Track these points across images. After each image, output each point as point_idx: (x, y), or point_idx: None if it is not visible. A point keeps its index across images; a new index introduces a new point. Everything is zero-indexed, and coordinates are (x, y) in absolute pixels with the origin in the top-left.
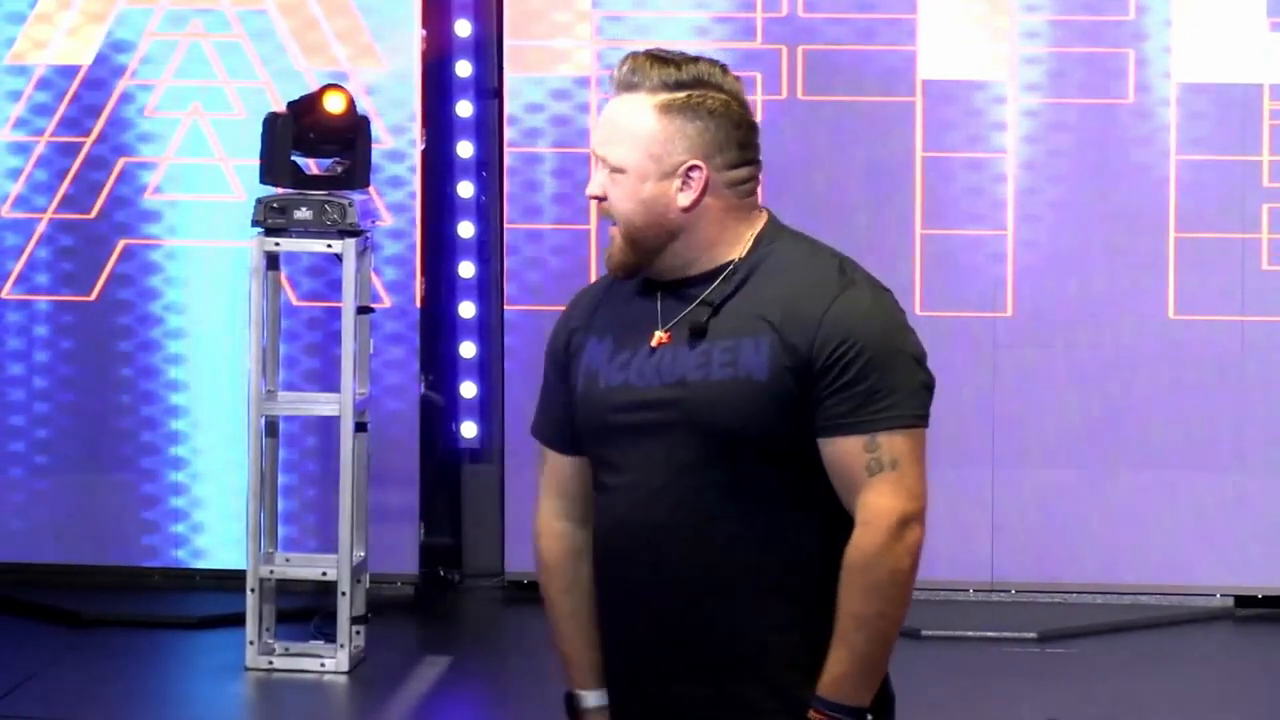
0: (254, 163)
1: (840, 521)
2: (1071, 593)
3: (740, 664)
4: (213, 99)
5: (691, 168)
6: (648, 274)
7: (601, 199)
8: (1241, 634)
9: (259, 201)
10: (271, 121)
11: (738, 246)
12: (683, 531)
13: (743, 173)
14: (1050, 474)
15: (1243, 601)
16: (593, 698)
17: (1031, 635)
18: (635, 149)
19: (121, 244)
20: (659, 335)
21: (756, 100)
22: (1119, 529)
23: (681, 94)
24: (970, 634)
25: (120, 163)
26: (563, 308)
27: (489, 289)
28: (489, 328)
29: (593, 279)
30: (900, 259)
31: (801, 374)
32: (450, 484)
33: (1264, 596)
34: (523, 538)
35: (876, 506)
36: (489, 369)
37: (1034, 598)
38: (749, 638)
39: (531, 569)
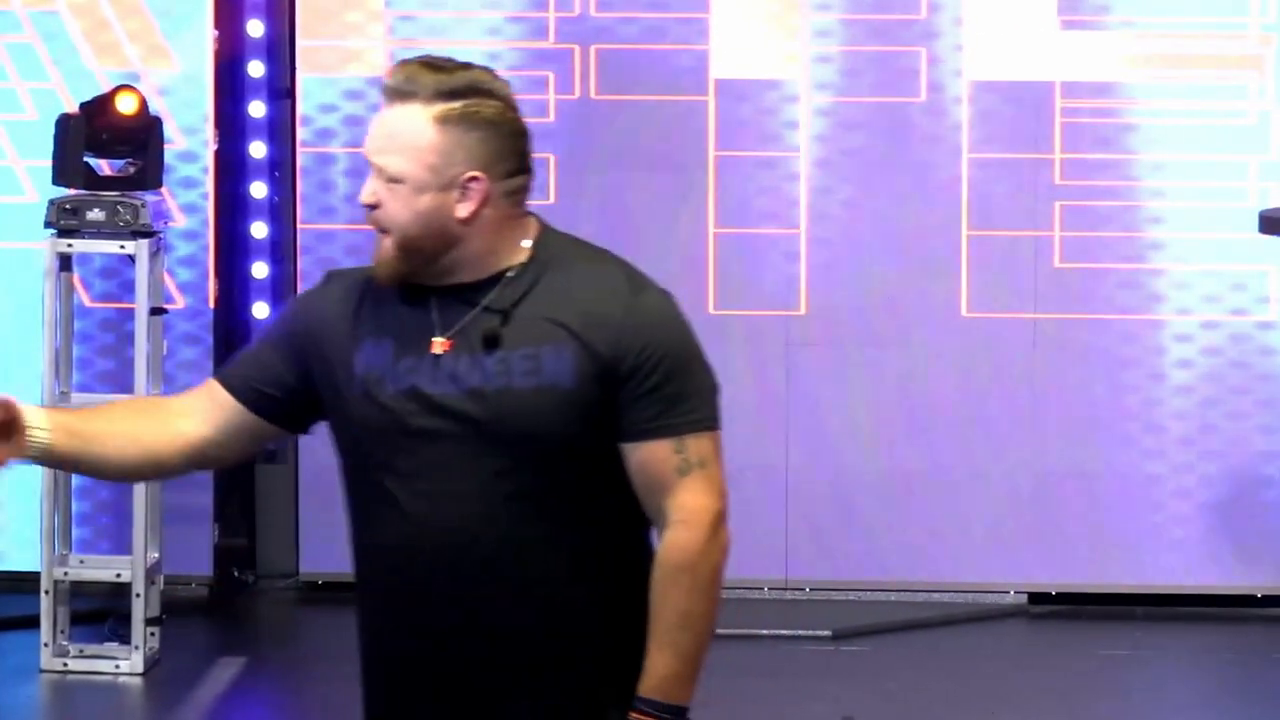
0: (46, 164)
1: (636, 525)
2: (866, 591)
3: (555, 674)
4: (4, 100)
5: (471, 179)
6: (418, 280)
7: (375, 206)
8: (1035, 630)
9: (51, 203)
10: (63, 122)
11: (516, 253)
12: (492, 541)
13: (519, 181)
14: (844, 472)
15: (1036, 598)
16: (36, 415)
17: (826, 634)
18: (413, 160)
19: None
20: (440, 342)
21: (549, 100)
22: (913, 527)
23: (458, 103)
24: (764, 633)
25: None
26: None
27: (283, 290)
28: None
29: None
30: (694, 258)
31: (605, 380)
32: (244, 485)
33: (1057, 593)
34: (316, 539)
35: (693, 506)
36: None
37: (828, 596)
38: (563, 646)
39: (327, 570)
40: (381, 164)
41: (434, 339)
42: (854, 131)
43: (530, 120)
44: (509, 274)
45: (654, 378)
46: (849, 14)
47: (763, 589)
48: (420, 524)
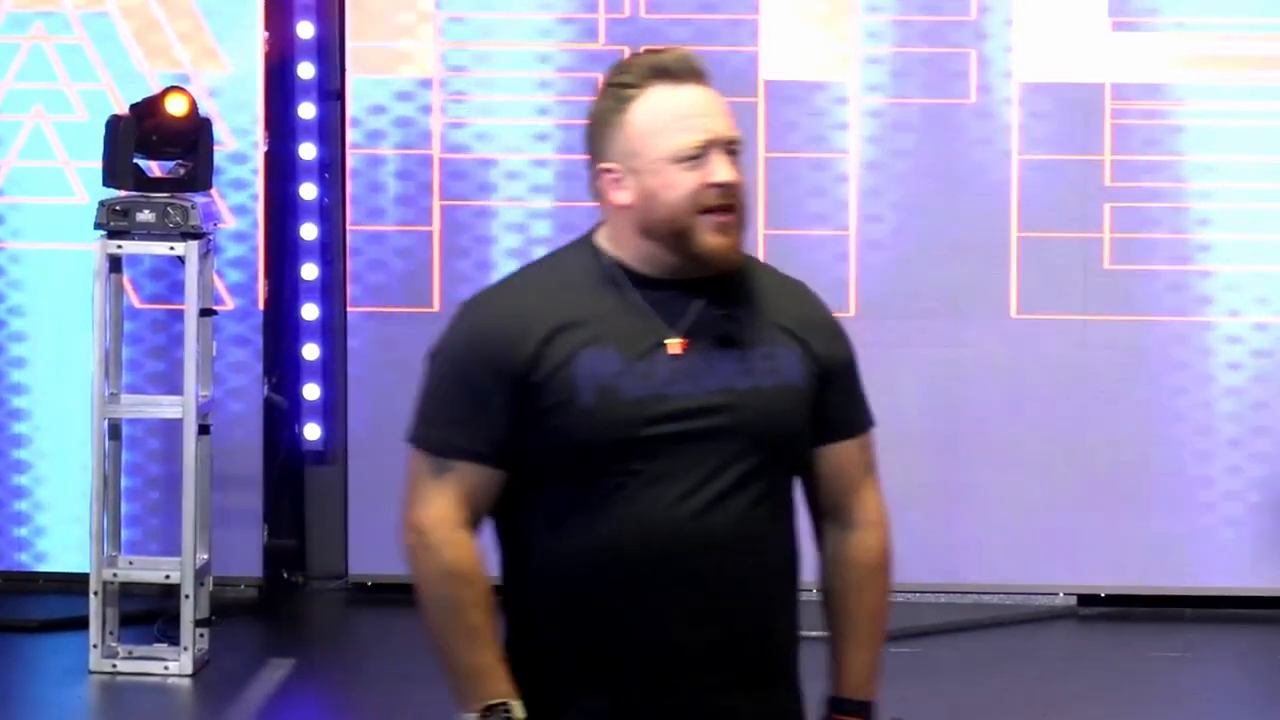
0: (96, 165)
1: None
2: (915, 592)
3: (775, 669)
4: (55, 101)
5: None
6: (643, 269)
7: (738, 182)
8: (1084, 632)
9: (101, 204)
10: (113, 124)
11: None
12: (740, 540)
13: None
14: (893, 473)
15: (1085, 600)
16: (520, 708)
17: None
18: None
19: None
20: (675, 342)
21: None
22: (961, 528)
23: None
24: (813, 634)
25: None
26: (405, 309)
27: (332, 291)
28: (332, 330)
29: (436, 281)
30: None
31: (822, 380)
32: (293, 486)
33: (1106, 595)
34: (366, 540)
35: (878, 507)
36: (332, 371)
37: None
38: (781, 642)
39: (376, 571)
40: (733, 134)
41: (667, 340)
42: (904, 133)
43: (581, 122)
44: (721, 270)
45: (846, 378)
46: (899, 15)
47: (810, 590)
48: (671, 525)
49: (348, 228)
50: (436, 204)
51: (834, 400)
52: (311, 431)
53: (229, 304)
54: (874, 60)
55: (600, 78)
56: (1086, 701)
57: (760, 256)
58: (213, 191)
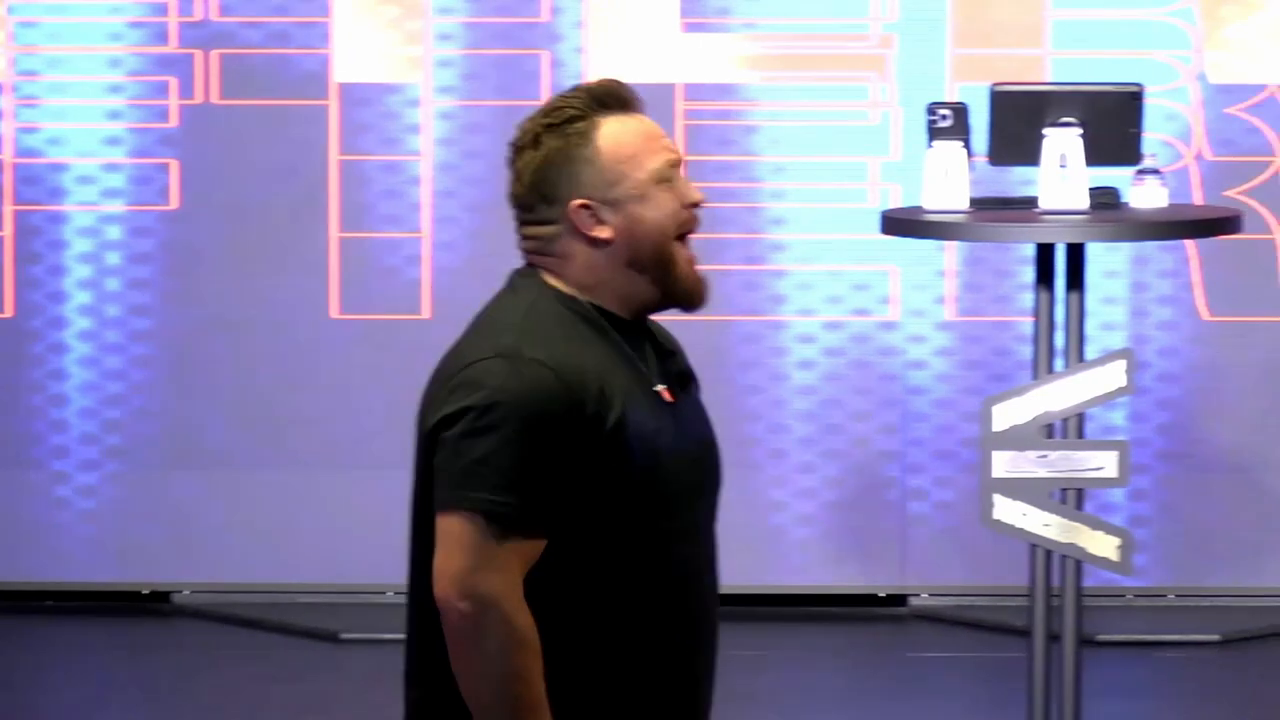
0: None
1: None
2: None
3: None
4: None
5: None
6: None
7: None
8: None
9: None
10: None
11: None
12: (717, 586)
13: None
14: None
15: None
16: None
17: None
18: None
19: None
20: (663, 389)
21: (172, 105)
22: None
23: None
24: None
25: None
26: None
27: None
28: None
29: (9, 287)
30: (317, 262)
31: None
32: None
33: None
34: None
35: None
36: None
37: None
38: None
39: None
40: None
41: (657, 387)
42: (477, 135)
43: (152, 125)
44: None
45: None
46: (470, 18)
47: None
48: (697, 577)
49: None
50: (8, 209)
51: None
52: None
53: None
54: (445, 63)
55: (172, 81)
56: None
57: (334, 260)
58: None
